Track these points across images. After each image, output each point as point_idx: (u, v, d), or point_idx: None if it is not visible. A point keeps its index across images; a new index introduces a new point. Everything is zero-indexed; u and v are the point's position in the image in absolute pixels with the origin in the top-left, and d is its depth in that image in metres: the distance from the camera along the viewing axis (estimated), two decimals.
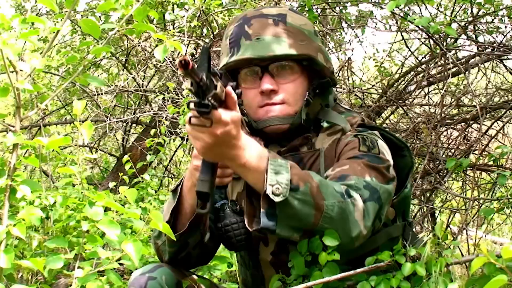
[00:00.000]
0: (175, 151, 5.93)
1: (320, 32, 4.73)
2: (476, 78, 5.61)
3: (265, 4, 4.55)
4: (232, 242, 2.21)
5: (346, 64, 5.13)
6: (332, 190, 2.01)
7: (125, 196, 1.89)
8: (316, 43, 2.40)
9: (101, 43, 2.07)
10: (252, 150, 1.97)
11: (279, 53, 2.28)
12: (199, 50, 4.89)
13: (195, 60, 4.91)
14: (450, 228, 4.87)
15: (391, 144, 2.42)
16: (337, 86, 4.67)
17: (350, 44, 6.07)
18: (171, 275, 2.30)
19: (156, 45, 5.01)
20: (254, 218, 2.01)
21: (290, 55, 2.30)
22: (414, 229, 2.74)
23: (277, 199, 1.90)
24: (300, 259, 2.13)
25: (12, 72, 1.75)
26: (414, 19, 3.81)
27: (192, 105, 1.74)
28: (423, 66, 5.13)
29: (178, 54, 4.82)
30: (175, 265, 2.37)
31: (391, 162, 2.31)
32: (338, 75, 4.97)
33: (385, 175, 2.22)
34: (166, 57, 4.61)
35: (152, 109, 5.12)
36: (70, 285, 1.71)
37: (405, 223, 2.49)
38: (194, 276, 2.42)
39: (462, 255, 4.14)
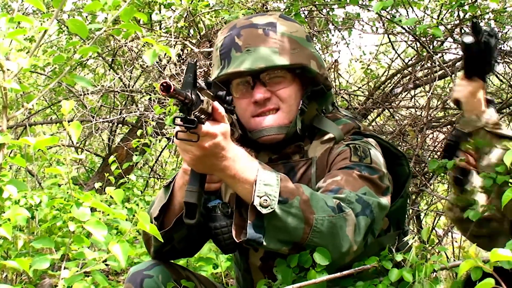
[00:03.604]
0: (161, 151, 5.92)
1: (311, 33, 4.74)
2: None
3: (252, 5, 4.54)
4: (221, 245, 2.21)
5: (333, 66, 5.13)
6: (323, 204, 2.01)
7: (111, 197, 1.88)
8: (309, 50, 2.39)
9: (88, 43, 2.06)
10: (242, 162, 1.98)
11: (270, 64, 2.28)
12: (186, 52, 4.88)
13: (181, 61, 4.91)
14: (436, 231, 4.88)
15: (388, 153, 2.42)
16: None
17: (337, 46, 6.07)
18: (167, 273, 2.34)
19: (143, 45, 5.01)
20: (242, 229, 2.00)
21: (282, 66, 2.30)
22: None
23: (264, 210, 1.90)
24: (288, 271, 2.12)
25: None
26: (400, 20, 3.83)
27: (178, 121, 1.79)
28: (410, 69, 5.15)
29: (164, 55, 4.82)
30: (161, 257, 2.40)
31: (385, 171, 2.30)
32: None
33: (379, 185, 2.22)
34: None
35: (138, 109, 5.12)
36: (56, 286, 1.70)
37: (400, 232, 2.49)
38: (190, 274, 2.44)
39: (448, 257, 4.15)
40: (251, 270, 2.50)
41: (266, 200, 1.91)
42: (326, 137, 2.41)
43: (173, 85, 1.66)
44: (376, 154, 2.32)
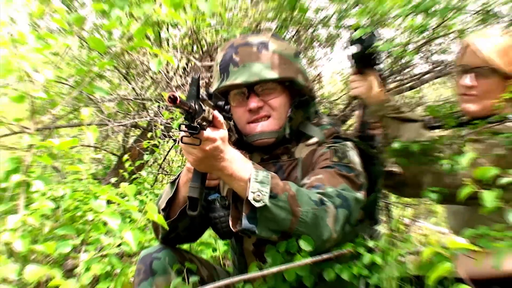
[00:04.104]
0: (168, 151, 5.91)
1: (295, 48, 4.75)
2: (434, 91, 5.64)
3: (247, 25, 4.54)
4: (219, 232, 2.25)
5: (317, 78, 5.14)
6: (307, 199, 2.03)
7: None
8: (296, 65, 2.40)
9: (105, 58, 2.07)
10: (237, 163, 2.01)
11: (263, 77, 2.29)
12: (190, 65, 4.88)
13: (186, 73, 4.91)
14: (403, 220, 4.90)
15: (363, 154, 2.43)
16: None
17: (321, 61, 6.08)
18: (173, 256, 2.36)
19: (152, 57, 5.02)
20: (238, 220, 2.02)
21: (273, 79, 2.32)
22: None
23: (257, 204, 1.93)
24: (277, 255, 2.14)
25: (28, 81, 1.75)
26: (378, 46, 3.83)
27: (183, 127, 1.82)
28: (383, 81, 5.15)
29: (171, 67, 4.82)
30: (167, 243, 2.43)
31: (361, 170, 2.32)
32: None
33: (355, 182, 2.23)
34: (161, 70, 4.60)
35: (148, 115, 5.10)
36: (77, 266, 1.70)
37: (373, 221, 2.51)
38: (192, 257, 2.46)
39: (413, 244, 4.16)
40: (245, 254, 2.51)
41: (259, 195, 1.94)
42: (311, 140, 2.43)
43: (179, 97, 1.69)
44: (353, 155, 2.34)
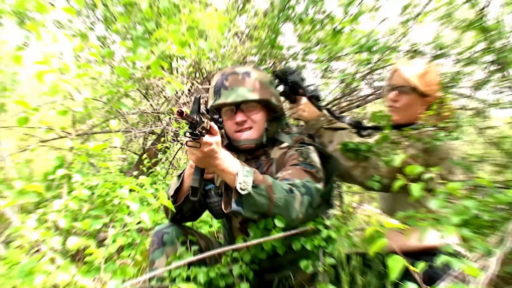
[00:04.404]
0: (177, 152, 5.91)
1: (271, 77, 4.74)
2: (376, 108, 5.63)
3: (236, 58, 4.54)
4: (214, 213, 2.26)
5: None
6: (280, 188, 2.05)
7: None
8: (271, 90, 2.40)
9: (129, 82, 2.06)
10: (228, 161, 2.03)
11: (247, 98, 2.30)
12: (193, 87, 4.87)
13: (190, 94, 4.90)
14: (352, 204, 4.90)
15: (322, 155, 2.44)
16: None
17: None
18: (179, 231, 2.36)
19: (165, 83, 5.02)
20: (228, 204, 2.05)
21: (254, 100, 2.32)
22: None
23: (243, 192, 1.96)
24: (258, 231, 2.15)
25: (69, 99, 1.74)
26: (332, 75, 3.86)
27: (188, 134, 1.88)
28: (337, 101, 5.15)
29: (179, 89, 4.80)
30: (175, 221, 2.42)
31: (320, 167, 2.33)
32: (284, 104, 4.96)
33: (316, 176, 2.24)
34: None
35: (162, 124, 5.07)
36: (106, 238, 1.69)
37: (329, 206, 2.52)
38: (193, 232, 2.45)
39: (359, 223, 4.17)
40: (233, 230, 2.50)
41: (244, 185, 1.96)
42: (283, 145, 2.43)
43: (185, 111, 1.72)
44: (314, 156, 2.35)
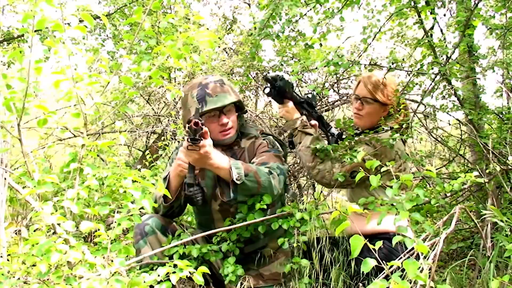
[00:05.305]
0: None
1: (254, 85, 4.74)
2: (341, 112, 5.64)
3: (225, 70, 4.53)
4: (193, 202, 2.19)
5: (269, 103, 5.13)
6: (263, 172, 2.14)
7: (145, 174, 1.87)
8: (237, 92, 2.42)
9: (134, 89, 2.05)
10: (219, 158, 2.10)
11: (228, 102, 2.30)
12: None
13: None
14: (323, 193, 4.92)
15: (279, 143, 2.49)
16: (263, 113, 4.66)
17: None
18: (159, 222, 2.32)
19: (165, 90, 5.00)
20: (223, 194, 2.15)
21: (232, 102, 2.33)
22: (299, 192, 2.78)
23: (239, 182, 2.06)
24: (245, 207, 2.22)
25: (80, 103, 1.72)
26: (306, 85, 3.87)
27: (189, 139, 1.98)
28: None
29: (177, 95, 4.78)
30: (165, 216, 2.37)
31: (283, 153, 2.43)
32: (264, 109, 4.95)
33: (283, 160, 2.37)
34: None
35: (162, 125, 5.05)
36: (112, 222, 1.68)
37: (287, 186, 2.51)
38: (174, 223, 2.39)
39: (328, 207, 4.18)
40: (212, 213, 2.42)
41: (239, 176, 2.06)
42: (250, 136, 2.46)
43: (200, 121, 1.94)
44: (277, 144, 2.44)
